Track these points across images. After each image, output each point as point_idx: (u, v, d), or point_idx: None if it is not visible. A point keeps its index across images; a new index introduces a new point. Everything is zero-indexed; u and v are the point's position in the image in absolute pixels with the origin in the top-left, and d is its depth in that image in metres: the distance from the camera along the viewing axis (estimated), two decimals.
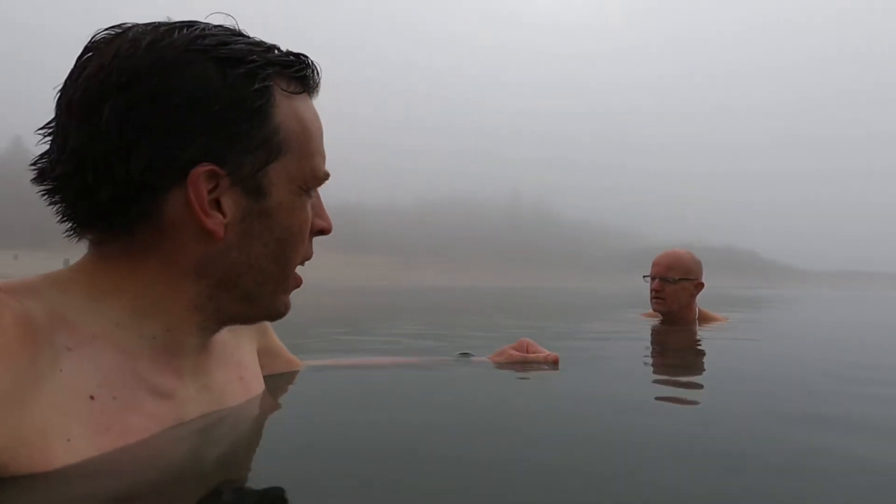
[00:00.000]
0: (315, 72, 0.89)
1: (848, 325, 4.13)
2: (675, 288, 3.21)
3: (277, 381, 1.19)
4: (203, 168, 0.76)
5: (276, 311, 0.91)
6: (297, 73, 0.86)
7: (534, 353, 1.56)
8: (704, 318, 3.41)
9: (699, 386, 1.49)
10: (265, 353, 1.19)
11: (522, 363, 1.53)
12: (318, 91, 0.91)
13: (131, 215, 0.76)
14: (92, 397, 0.70)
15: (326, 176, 0.90)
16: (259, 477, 0.73)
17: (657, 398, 1.31)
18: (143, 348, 0.78)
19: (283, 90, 0.83)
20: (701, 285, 3.29)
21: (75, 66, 0.77)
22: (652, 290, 3.27)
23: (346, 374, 1.42)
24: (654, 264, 3.30)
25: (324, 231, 0.94)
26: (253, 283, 0.85)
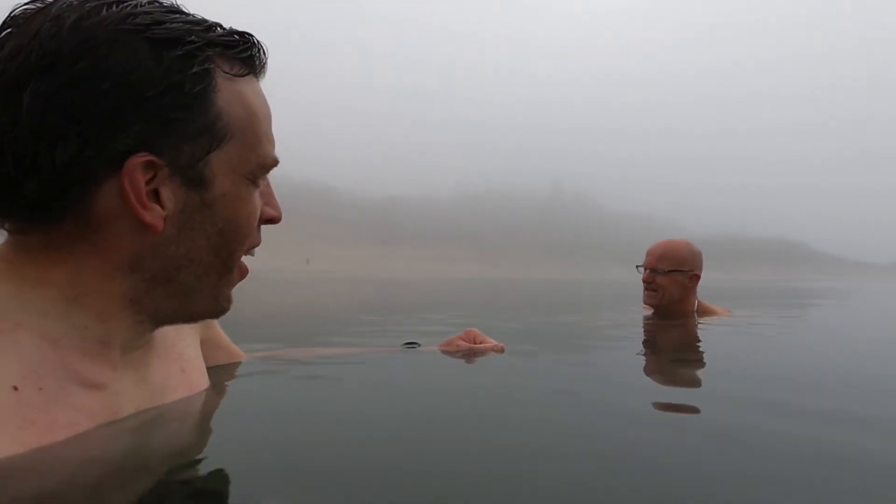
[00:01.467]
0: (261, 51, 0.83)
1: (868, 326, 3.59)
2: (666, 280, 2.99)
3: (220, 374, 1.15)
4: (139, 158, 0.70)
5: (217, 308, 0.86)
6: (241, 53, 0.79)
7: (480, 342, 1.55)
8: (704, 312, 3.13)
9: (668, 388, 1.38)
10: (208, 344, 1.16)
11: (469, 353, 1.53)
12: (264, 72, 0.85)
13: (58, 208, 0.71)
14: (15, 388, 0.65)
15: (275, 163, 0.85)
16: (197, 476, 0.68)
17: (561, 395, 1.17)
18: (73, 338, 0.73)
19: (225, 73, 0.77)
20: (696, 277, 3.04)
21: None
22: (643, 282, 3.08)
23: (291, 365, 1.38)
24: (647, 254, 3.09)
25: (273, 220, 0.89)
26: (192, 276, 0.80)
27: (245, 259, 0.88)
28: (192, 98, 0.73)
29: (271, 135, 0.84)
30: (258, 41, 0.82)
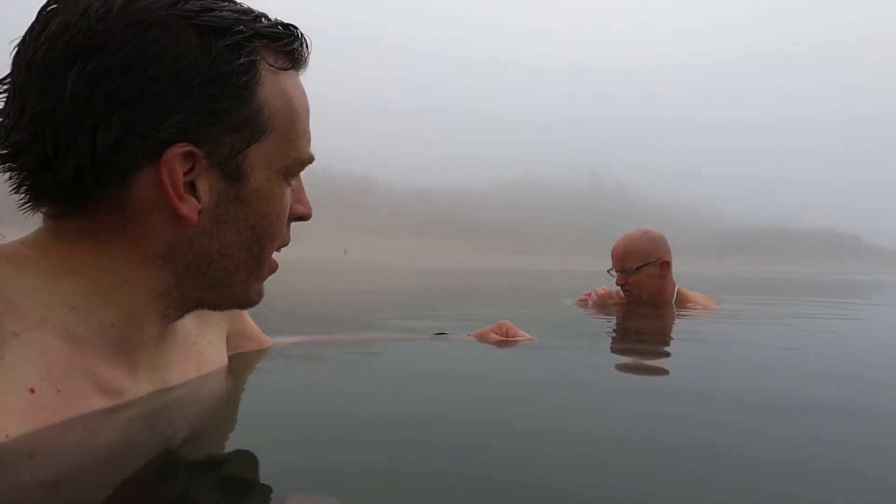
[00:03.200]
0: (305, 45, 0.81)
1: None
2: (638, 277, 2.96)
3: (247, 360, 1.15)
4: (180, 148, 0.69)
5: (246, 300, 0.84)
6: (286, 46, 0.78)
7: (513, 335, 1.53)
8: (684, 301, 3.04)
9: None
10: (238, 337, 1.15)
11: (502, 345, 1.49)
12: (306, 66, 0.83)
13: (94, 194, 0.69)
14: (32, 390, 0.64)
15: (311, 159, 0.83)
16: (214, 467, 0.67)
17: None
18: (97, 337, 0.71)
19: (269, 65, 0.76)
20: (667, 264, 2.99)
21: (37, 19, 0.69)
22: (617, 285, 3.07)
23: (319, 353, 1.37)
24: (612, 256, 3.07)
25: (303, 217, 0.88)
26: (223, 271, 0.78)
27: (274, 255, 0.87)
28: (237, 89, 0.72)
29: (309, 131, 0.83)
30: (303, 34, 0.81)
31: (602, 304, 3.05)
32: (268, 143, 0.76)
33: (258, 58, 0.74)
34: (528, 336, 1.54)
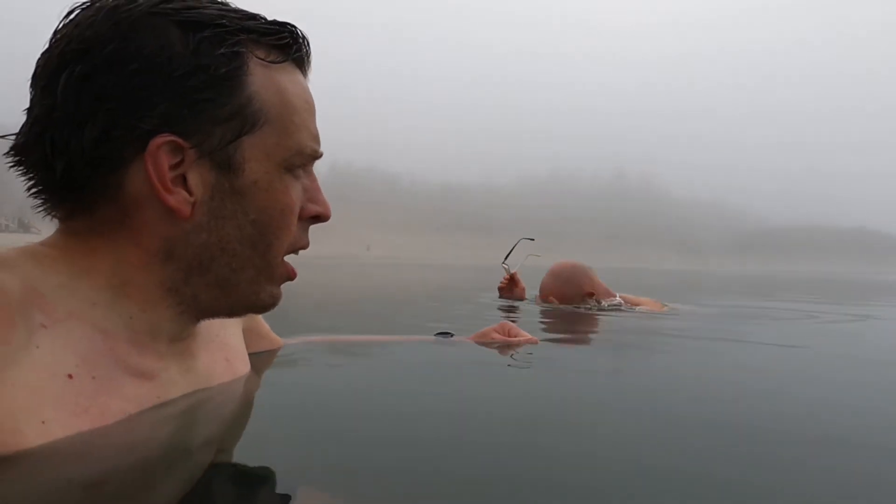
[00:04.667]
0: (302, 42, 0.81)
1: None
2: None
3: (262, 361, 1.17)
4: (162, 139, 0.70)
5: (259, 302, 0.83)
6: (279, 41, 0.78)
7: (515, 335, 1.56)
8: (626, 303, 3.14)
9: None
10: (250, 333, 1.16)
11: (504, 346, 1.52)
12: (307, 63, 0.84)
13: (88, 190, 0.72)
14: (70, 376, 0.66)
15: (314, 154, 0.82)
16: (243, 458, 0.71)
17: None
18: (121, 328, 0.73)
19: (259, 59, 0.76)
20: (590, 294, 3.08)
21: (50, 37, 0.75)
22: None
23: (328, 353, 1.42)
24: (541, 287, 3.21)
25: (320, 217, 0.86)
26: (227, 268, 0.78)
27: (289, 258, 0.86)
28: (220, 79, 0.72)
29: (313, 127, 0.82)
30: (300, 32, 0.81)
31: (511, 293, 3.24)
32: (263, 135, 0.76)
33: (244, 50, 0.74)
34: (530, 337, 1.57)
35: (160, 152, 0.70)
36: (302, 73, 0.84)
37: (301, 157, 0.80)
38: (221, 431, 0.80)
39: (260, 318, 1.24)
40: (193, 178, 0.73)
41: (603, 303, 3.06)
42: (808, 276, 17.33)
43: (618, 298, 3.10)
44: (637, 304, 3.09)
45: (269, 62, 0.77)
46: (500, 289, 3.42)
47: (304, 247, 0.86)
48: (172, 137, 0.71)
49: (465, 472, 0.66)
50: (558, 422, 0.91)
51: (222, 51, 0.72)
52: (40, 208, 0.75)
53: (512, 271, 3.40)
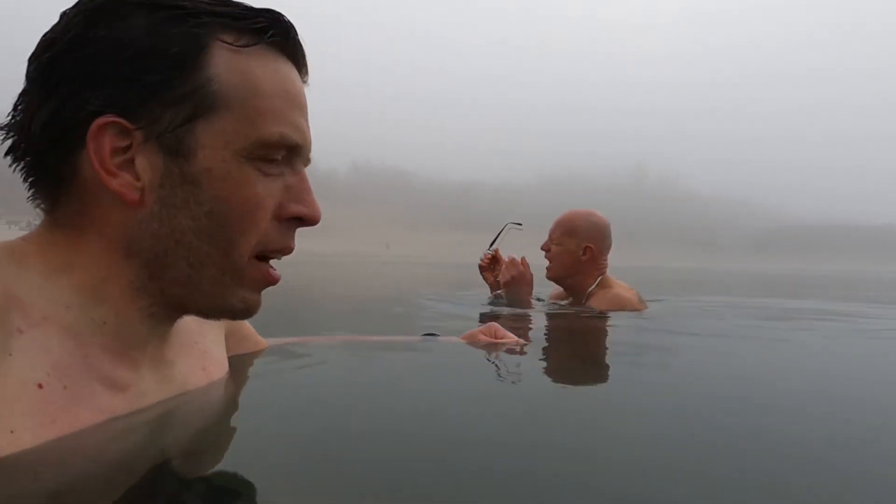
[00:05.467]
0: (286, 29, 0.77)
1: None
2: (557, 250, 2.82)
3: (242, 362, 1.15)
4: (104, 119, 0.68)
5: (228, 307, 0.78)
6: (253, 25, 0.74)
7: (500, 337, 1.56)
8: (611, 303, 2.74)
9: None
10: (234, 337, 1.14)
11: (491, 347, 1.53)
12: (295, 52, 0.79)
13: (54, 176, 0.72)
14: (40, 385, 0.64)
15: (282, 142, 0.75)
16: (216, 465, 0.70)
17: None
18: (95, 334, 0.71)
19: (227, 42, 0.73)
20: (589, 249, 2.78)
21: None
22: (542, 249, 2.93)
23: (313, 354, 1.41)
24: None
25: (304, 218, 0.79)
26: (185, 262, 0.74)
27: (276, 262, 0.82)
28: (173, 61, 0.70)
29: (292, 117, 0.76)
30: (285, 19, 0.78)
31: (510, 277, 2.78)
32: (220, 121, 0.72)
33: (204, 31, 0.72)
34: (516, 338, 1.57)
35: (103, 133, 0.68)
36: (291, 62, 0.79)
37: (265, 146, 0.74)
38: (194, 438, 0.78)
39: (245, 322, 1.19)
40: (141, 163, 0.70)
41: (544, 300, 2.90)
42: (833, 274, 16.92)
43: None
44: (608, 287, 2.83)
45: (239, 46, 0.73)
46: (480, 267, 3.08)
47: (285, 250, 0.79)
48: (115, 118, 0.68)
49: (451, 473, 0.66)
50: (555, 420, 0.91)
51: (179, 31, 0.70)
52: (27, 199, 0.75)
53: (493, 248, 3.04)
